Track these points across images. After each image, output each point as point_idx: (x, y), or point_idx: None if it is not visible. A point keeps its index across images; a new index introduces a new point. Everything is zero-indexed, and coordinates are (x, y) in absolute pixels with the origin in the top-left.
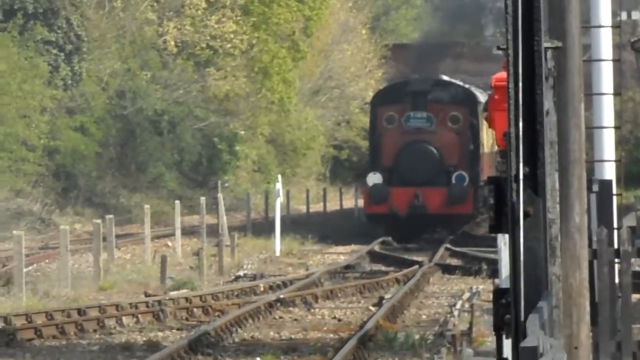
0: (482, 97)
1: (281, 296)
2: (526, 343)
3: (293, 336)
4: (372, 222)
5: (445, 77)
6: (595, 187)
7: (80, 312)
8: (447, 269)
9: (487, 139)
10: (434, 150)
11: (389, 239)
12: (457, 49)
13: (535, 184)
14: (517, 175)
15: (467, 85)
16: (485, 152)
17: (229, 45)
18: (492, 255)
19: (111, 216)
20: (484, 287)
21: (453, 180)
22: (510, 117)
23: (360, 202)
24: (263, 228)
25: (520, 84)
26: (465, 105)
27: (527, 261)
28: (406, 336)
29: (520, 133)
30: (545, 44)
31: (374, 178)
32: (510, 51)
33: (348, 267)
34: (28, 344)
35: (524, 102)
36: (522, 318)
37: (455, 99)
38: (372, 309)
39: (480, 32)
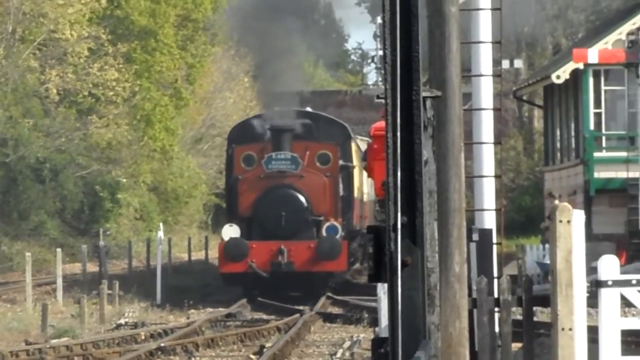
0: (363, 146)
1: (162, 344)
2: None
3: None
4: (228, 282)
5: (309, 109)
6: (476, 236)
7: None
8: (329, 318)
9: (361, 181)
10: (300, 196)
11: (239, 309)
12: (340, 97)
13: (413, 233)
14: (395, 224)
15: (336, 118)
16: (358, 196)
17: (111, 93)
18: (374, 304)
19: None
20: (365, 335)
21: (323, 232)
22: (388, 167)
23: None
24: (145, 276)
25: (399, 133)
26: (335, 141)
27: (406, 310)
28: None
29: (399, 182)
30: (424, 93)
31: (230, 231)
32: (389, 100)
33: (229, 315)
34: None
35: (403, 151)
36: None
37: (324, 135)
38: (253, 357)
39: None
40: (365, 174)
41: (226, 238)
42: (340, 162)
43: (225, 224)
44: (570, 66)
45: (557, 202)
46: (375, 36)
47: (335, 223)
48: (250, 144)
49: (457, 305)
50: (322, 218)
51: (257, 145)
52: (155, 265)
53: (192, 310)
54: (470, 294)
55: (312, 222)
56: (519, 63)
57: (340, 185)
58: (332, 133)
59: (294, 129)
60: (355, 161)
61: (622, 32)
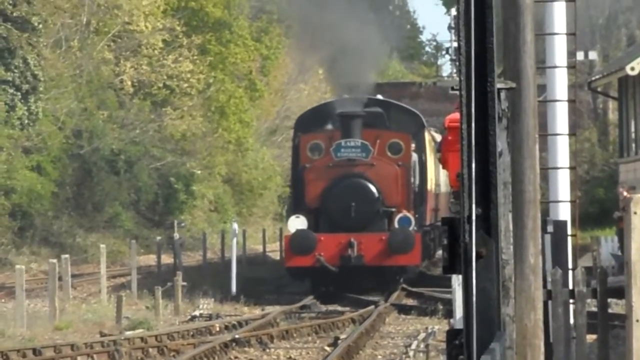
0: (437, 138)
1: (237, 336)
2: None
3: None
4: (294, 277)
5: (380, 97)
6: (550, 228)
7: (35, 352)
8: (403, 309)
9: (435, 171)
10: (371, 186)
11: (313, 301)
12: (414, 88)
13: (488, 224)
14: (469, 216)
15: (408, 107)
16: (431, 188)
17: (185, 85)
18: (448, 296)
19: (67, 256)
20: (439, 327)
21: (395, 224)
22: (463, 158)
23: None
24: (219, 268)
25: (473, 125)
26: (408, 130)
27: (480, 302)
28: None
29: (473, 174)
30: (498, 85)
31: (297, 222)
32: (463, 92)
33: (304, 307)
34: None
35: (477, 142)
36: (475, 359)
37: (396, 123)
38: (328, 349)
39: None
40: (439, 165)
41: (292, 230)
42: (413, 150)
43: (291, 215)
44: None
45: (625, 194)
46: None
47: (408, 214)
48: (318, 132)
49: (532, 297)
50: (394, 209)
51: (324, 133)
52: (230, 257)
53: (267, 305)
54: (545, 286)
55: (384, 214)
56: (593, 55)
57: (413, 176)
58: (404, 122)
59: (364, 115)
60: (429, 152)
61: None
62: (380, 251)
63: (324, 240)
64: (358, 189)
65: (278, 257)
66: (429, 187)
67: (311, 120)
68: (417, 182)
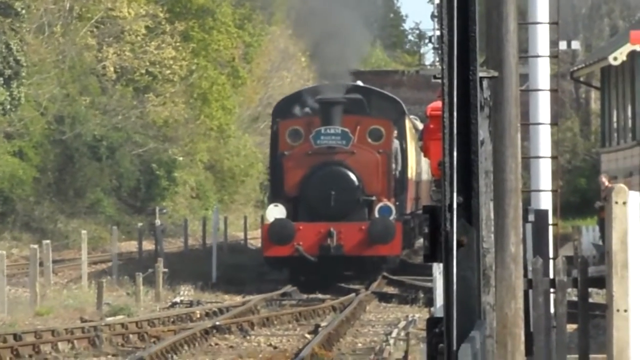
0: (419, 126)
1: (217, 323)
2: None
3: None
4: (272, 267)
5: (360, 83)
6: (532, 217)
7: (15, 337)
8: (384, 297)
9: (416, 159)
10: (351, 174)
11: (294, 288)
12: (397, 77)
13: (469, 213)
14: (451, 204)
15: (389, 93)
16: (412, 176)
17: (168, 72)
18: (429, 284)
19: (48, 241)
20: (420, 315)
21: (376, 214)
22: (445, 147)
23: None
24: (200, 255)
25: (455, 114)
26: (389, 116)
27: (461, 290)
28: None
29: (455, 162)
30: (480, 74)
31: (275, 211)
32: (445, 80)
33: (285, 295)
34: None
35: (459, 131)
36: (455, 347)
37: (377, 110)
38: (308, 336)
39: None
40: (420, 153)
41: (271, 219)
42: (394, 137)
43: (269, 204)
44: (627, 48)
45: (607, 184)
46: (432, 16)
47: (389, 203)
48: (297, 119)
49: (513, 286)
50: (374, 198)
51: (304, 119)
52: (211, 244)
53: (247, 293)
54: (525, 275)
55: (364, 203)
56: (576, 44)
57: (395, 163)
58: (385, 108)
59: (345, 102)
60: (410, 139)
61: None
62: (360, 241)
63: (303, 230)
64: (338, 177)
65: (260, 245)
66: (409, 175)
67: (290, 106)
68: (398, 169)
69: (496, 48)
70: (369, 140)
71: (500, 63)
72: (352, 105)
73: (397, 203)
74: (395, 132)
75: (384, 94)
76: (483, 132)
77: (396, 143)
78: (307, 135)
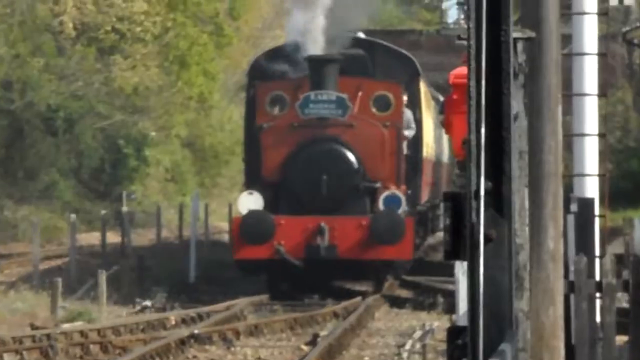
0: (439, 97)
1: (196, 331)
2: None
3: None
4: (246, 272)
5: (363, 36)
6: (574, 207)
7: None
8: (396, 302)
9: (435, 135)
10: (349, 154)
11: (266, 296)
12: (413, 37)
13: (499, 202)
14: (477, 191)
15: (399, 48)
16: (428, 156)
17: (138, 29)
18: (450, 286)
19: None
20: (439, 324)
21: (380, 205)
22: (470, 122)
23: None
24: (176, 249)
25: (484, 82)
26: (398, 79)
27: (489, 294)
28: None
29: (483, 140)
30: (514, 34)
31: (249, 201)
32: (472, 42)
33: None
34: None
35: (488, 103)
36: None
37: (384, 70)
38: (305, 348)
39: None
40: (441, 128)
41: (244, 211)
42: (405, 106)
43: (242, 191)
44: None
45: None
46: None
47: (397, 192)
48: (280, 81)
49: (551, 289)
50: (378, 185)
51: (288, 82)
52: (189, 236)
53: (232, 295)
54: (566, 276)
55: (365, 191)
56: (629, 0)
57: (405, 140)
58: (394, 68)
59: (341, 60)
60: (425, 108)
61: None
62: (359, 240)
63: (285, 225)
64: (331, 158)
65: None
66: (424, 154)
67: (272, 64)
68: (410, 147)
69: (533, 3)
70: (373, 109)
71: (538, 22)
72: (351, 64)
73: (409, 191)
74: (407, 98)
75: (393, 49)
76: (517, 104)
77: (408, 113)
78: (293, 102)
